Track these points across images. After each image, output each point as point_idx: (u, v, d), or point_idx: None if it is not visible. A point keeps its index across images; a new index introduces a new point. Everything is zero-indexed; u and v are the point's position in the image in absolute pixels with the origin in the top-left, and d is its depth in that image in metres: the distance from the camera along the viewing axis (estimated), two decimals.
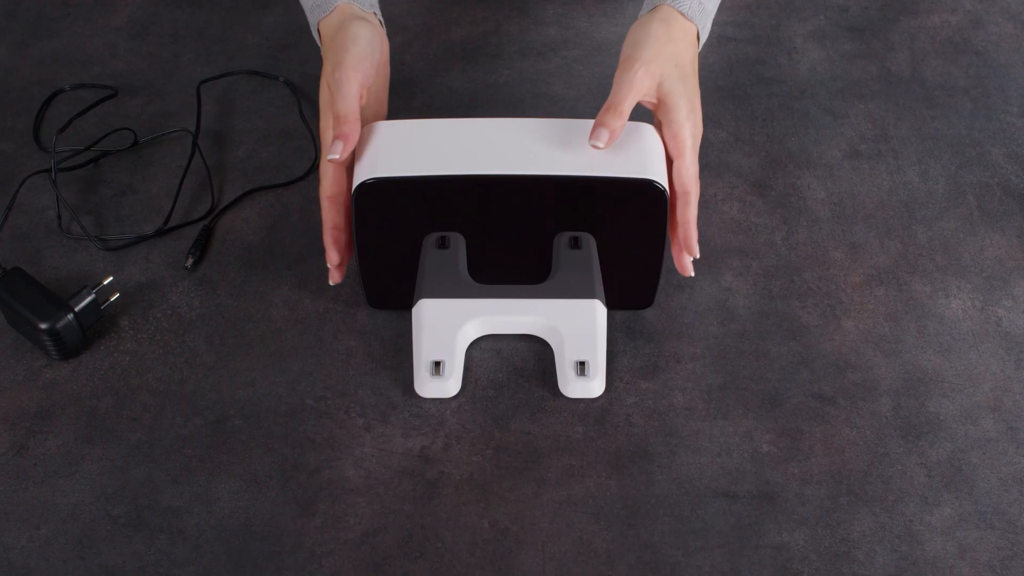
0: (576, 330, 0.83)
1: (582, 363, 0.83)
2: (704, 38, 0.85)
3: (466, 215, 0.83)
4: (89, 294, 0.87)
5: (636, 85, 0.80)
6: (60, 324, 0.85)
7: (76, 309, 0.86)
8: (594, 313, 0.83)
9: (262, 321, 0.91)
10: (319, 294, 0.92)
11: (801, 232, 0.97)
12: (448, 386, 0.83)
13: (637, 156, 0.82)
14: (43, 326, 0.84)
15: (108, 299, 0.90)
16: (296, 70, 1.11)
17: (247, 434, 0.84)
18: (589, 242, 0.84)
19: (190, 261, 0.94)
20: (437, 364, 0.82)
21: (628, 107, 0.79)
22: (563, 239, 0.84)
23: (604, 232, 0.84)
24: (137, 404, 0.85)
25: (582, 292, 0.83)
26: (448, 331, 0.83)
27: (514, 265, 0.86)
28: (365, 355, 0.88)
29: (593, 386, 0.83)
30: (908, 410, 0.85)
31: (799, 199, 1.00)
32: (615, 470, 0.81)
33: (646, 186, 0.80)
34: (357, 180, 0.82)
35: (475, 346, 0.88)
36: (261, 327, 0.90)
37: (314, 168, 1.02)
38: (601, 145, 0.78)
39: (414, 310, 0.84)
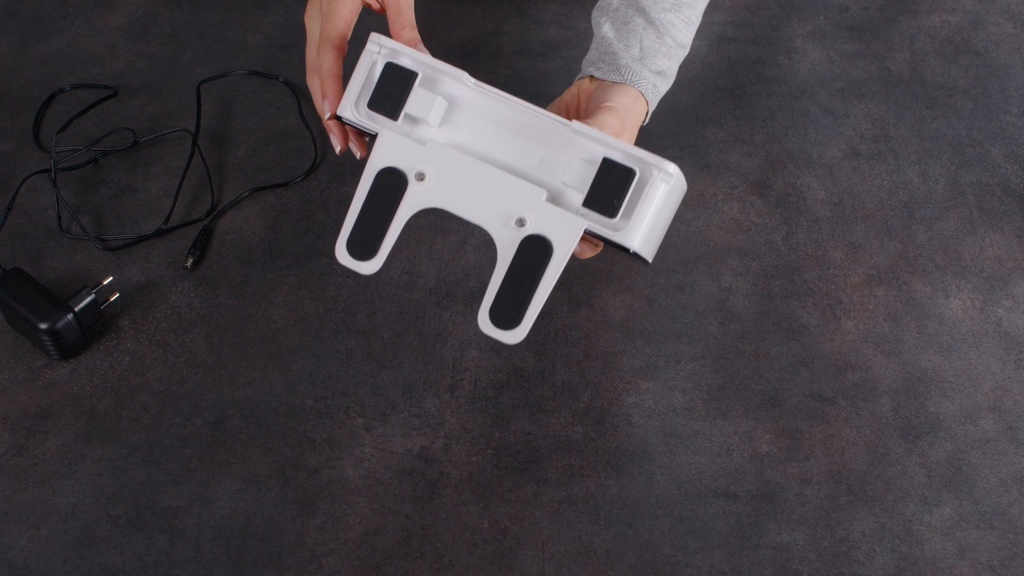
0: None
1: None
2: (652, 109, 0.86)
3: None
4: (89, 294, 0.87)
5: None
6: (60, 324, 0.85)
7: (76, 309, 0.86)
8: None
9: (262, 321, 0.91)
10: (319, 294, 0.92)
11: (801, 232, 0.97)
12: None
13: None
14: (43, 326, 0.84)
15: (108, 299, 0.90)
16: (296, 70, 1.11)
17: (247, 434, 0.84)
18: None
19: (190, 261, 0.94)
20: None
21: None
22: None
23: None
24: (137, 404, 0.85)
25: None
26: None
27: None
28: (365, 355, 0.88)
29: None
30: (908, 410, 0.85)
31: (799, 199, 1.00)
32: (615, 470, 0.81)
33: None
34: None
35: (474, 345, 0.89)
36: (261, 327, 0.90)
37: (315, 168, 1.02)
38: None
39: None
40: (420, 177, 0.75)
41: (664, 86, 0.87)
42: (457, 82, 0.75)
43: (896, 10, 1.19)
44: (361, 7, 0.82)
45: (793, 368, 0.87)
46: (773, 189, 1.00)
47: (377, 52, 0.76)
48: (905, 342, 0.89)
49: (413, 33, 0.81)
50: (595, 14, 0.90)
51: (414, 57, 0.76)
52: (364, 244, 0.75)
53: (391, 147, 0.75)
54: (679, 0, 0.87)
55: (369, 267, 0.76)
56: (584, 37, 1.15)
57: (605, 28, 0.87)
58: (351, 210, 0.76)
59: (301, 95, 1.09)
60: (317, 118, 1.07)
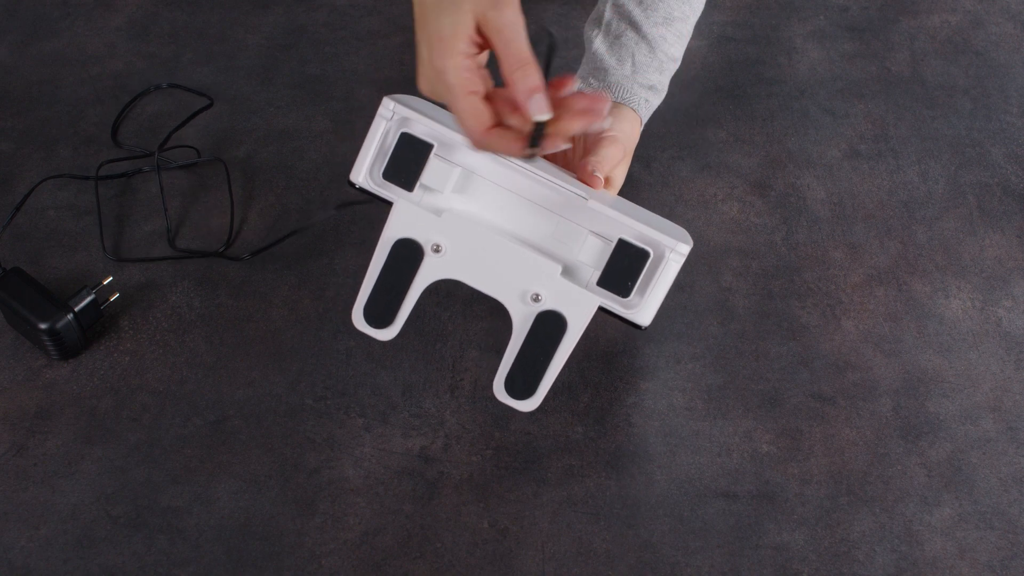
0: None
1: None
2: (644, 123, 0.87)
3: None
4: (89, 294, 0.87)
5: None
6: (60, 324, 0.85)
7: (76, 309, 0.86)
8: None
9: (262, 321, 0.91)
10: (319, 294, 0.92)
11: (801, 232, 0.97)
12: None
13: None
14: (43, 326, 0.84)
15: (108, 299, 0.90)
16: (296, 70, 1.11)
17: (247, 434, 0.84)
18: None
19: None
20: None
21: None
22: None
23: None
24: (137, 404, 0.85)
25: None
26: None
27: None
28: (365, 355, 0.88)
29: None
30: (908, 410, 0.85)
31: (799, 199, 1.00)
32: (615, 470, 0.81)
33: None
34: None
35: (474, 345, 0.89)
36: (261, 327, 0.90)
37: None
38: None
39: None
40: (436, 249, 0.75)
41: (656, 100, 0.87)
42: (473, 150, 0.74)
43: (896, 10, 1.19)
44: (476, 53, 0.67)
45: (793, 368, 0.87)
46: (773, 189, 1.00)
47: (389, 119, 0.75)
48: (905, 342, 0.89)
49: (532, 76, 0.64)
50: (587, 27, 0.89)
51: (428, 125, 0.74)
52: (381, 313, 0.77)
53: (407, 218, 0.75)
54: (671, 14, 0.86)
55: (386, 334, 0.77)
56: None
57: (597, 43, 0.87)
58: (367, 278, 0.76)
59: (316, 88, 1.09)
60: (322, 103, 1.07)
